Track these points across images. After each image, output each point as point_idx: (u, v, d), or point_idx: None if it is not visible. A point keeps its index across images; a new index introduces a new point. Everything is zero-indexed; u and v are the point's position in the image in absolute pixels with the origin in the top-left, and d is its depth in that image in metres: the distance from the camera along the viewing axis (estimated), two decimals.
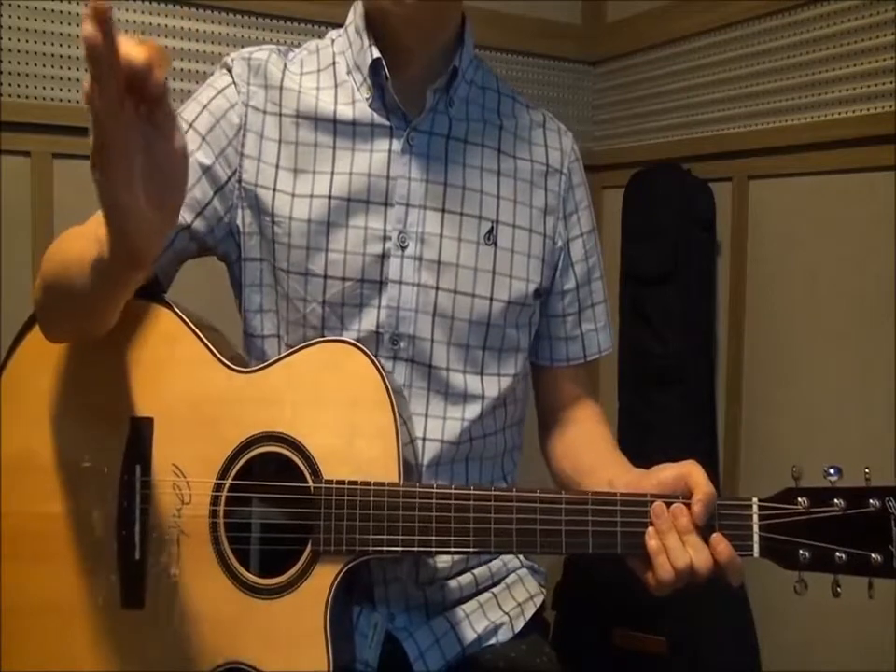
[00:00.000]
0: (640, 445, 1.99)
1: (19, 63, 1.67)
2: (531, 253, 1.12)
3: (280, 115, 1.06)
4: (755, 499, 0.91)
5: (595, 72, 2.38)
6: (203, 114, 1.05)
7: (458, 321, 1.07)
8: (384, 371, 0.95)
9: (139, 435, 0.95)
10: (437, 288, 1.06)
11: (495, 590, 1.14)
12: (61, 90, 1.71)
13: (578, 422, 1.19)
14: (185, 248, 1.05)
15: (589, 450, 1.15)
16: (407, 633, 1.06)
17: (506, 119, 1.14)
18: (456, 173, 1.08)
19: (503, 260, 1.09)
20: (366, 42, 1.06)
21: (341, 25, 1.13)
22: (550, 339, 1.19)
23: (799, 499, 0.89)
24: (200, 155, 1.03)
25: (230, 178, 1.05)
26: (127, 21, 1.75)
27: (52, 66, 1.70)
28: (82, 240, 0.87)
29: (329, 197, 1.04)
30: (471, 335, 1.08)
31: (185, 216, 1.02)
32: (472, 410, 1.08)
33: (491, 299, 1.08)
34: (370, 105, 1.06)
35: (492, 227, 1.09)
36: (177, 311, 0.99)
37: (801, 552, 0.88)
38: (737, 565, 0.89)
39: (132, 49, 0.67)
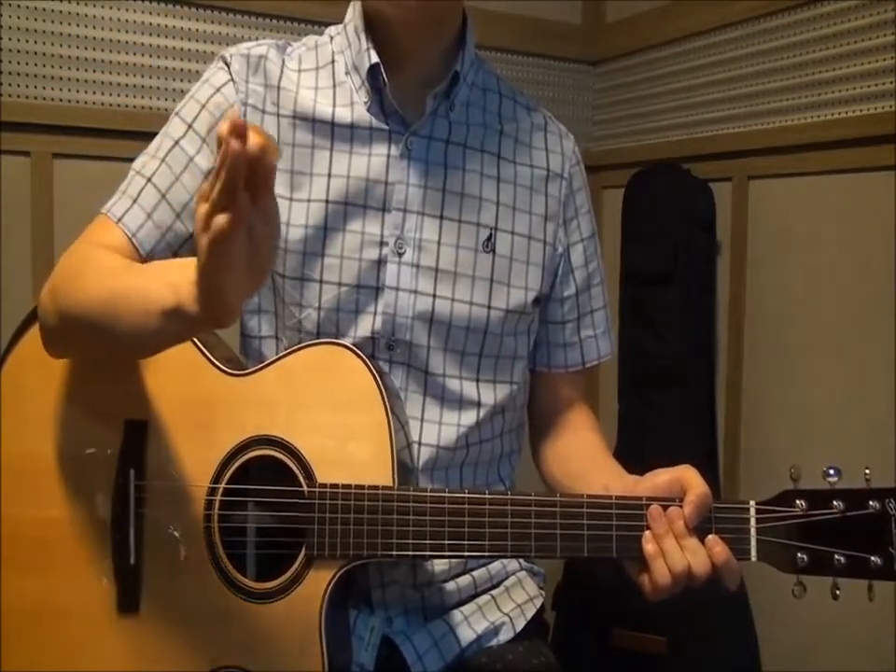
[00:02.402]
0: (640, 446, 2.00)
1: (19, 62, 1.67)
2: (530, 260, 1.10)
3: (278, 115, 1.05)
4: (752, 502, 0.89)
5: (595, 72, 2.38)
6: (203, 114, 1.04)
7: (455, 328, 1.06)
8: (378, 372, 0.95)
9: (133, 439, 0.95)
10: (434, 296, 1.05)
11: (493, 592, 1.14)
12: (61, 90, 1.71)
13: (572, 428, 1.18)
14: (186, 254, 1.04)
15: (583, 456, 1.14)
16: (404, 636, 1.05)
17: (506, 123, 1.12)
18: (455, 178, 1.06)
19: (501, 268, 1.08)
20: (364, 45, 1.04)
21: None
22: (548, 345, 1.18)
23: (797, 502, 0.88)
24: (199, 159, 1.02)
25: None
26: (127, 20, 1.75)
27: (52, 66, 1.70)
28: (138, 278, 0.87)
29: (327, 202, 1.03)
30: (468, 342, 1.07)
31: (186, 224, 1.00)
32: (469, 416, 1.08)
33: (489, 307, 1.07)
34: (368, 109, 1.05)
35: (490, 234, 1.07)
36: None
37: (799, 555, 0.87)
38: (734, 568, 0.88)
39: (250, 135, 0.67)
